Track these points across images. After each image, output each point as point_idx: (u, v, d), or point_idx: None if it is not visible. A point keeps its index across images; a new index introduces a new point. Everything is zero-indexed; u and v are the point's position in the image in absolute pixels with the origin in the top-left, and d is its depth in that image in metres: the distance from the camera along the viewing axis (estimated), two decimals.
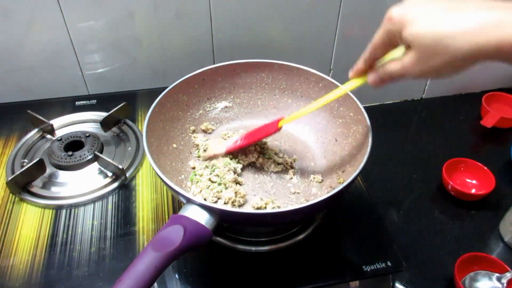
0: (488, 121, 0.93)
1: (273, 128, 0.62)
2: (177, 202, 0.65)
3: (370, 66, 0.48)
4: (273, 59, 0.70)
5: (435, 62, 0.39)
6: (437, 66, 0.39)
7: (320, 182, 0.64)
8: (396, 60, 0.44)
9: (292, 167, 0.66)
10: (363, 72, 0.49)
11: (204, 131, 0.71)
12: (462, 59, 0.37)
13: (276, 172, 0.65)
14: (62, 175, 0.69)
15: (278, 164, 0.66)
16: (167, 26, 0.83)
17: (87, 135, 0.73)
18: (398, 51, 0.44)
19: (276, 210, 0.56)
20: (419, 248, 0.73)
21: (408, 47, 0.41)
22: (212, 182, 0.60)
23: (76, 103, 0.84)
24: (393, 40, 0.43)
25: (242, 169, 0.65)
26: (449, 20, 0.37)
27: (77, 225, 0.62)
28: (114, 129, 0.78)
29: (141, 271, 0.41)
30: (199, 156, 0.67)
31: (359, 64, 0.49)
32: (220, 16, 0.83)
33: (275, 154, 0.67)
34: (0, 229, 0.61)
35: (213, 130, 0.71)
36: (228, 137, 0.69)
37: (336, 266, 0.57)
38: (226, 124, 0.73)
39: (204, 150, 0.67)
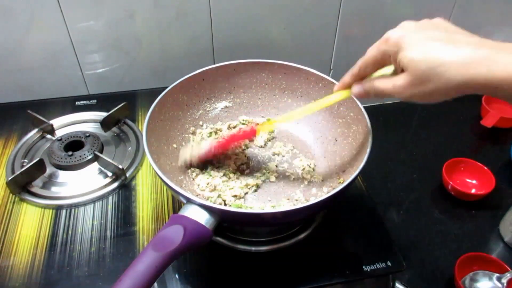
0: (488, 121, 0.93)
1: (250, 133, 0.63)
2: (177, 202, 0.65)
3: (356, 81, 0.49)
4: (273, 59, 0.70)
5: (426, 88, 0.40)
6: (428, 92, 0.40)
7: (320, 182, 0.64)
8: (385, 77, 0.45)
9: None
10: (349, 86, 0.50)
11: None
12: (453, 88, 0.39)
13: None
14: (62, 175, 0.69)
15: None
16: (167, 26, 0.83)
17: (87, 135, 0.73)
18: (388, 69, 0.45)
19: (276, 210, 0.56)
20: (419, 248, 0.73)
21: (401, 70, 0.42)
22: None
23: (76, 103, 0.84)
24: (386, 60, 0.44)
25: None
26: (445, 50, 0.39)
27: (77, 225, 0.62)
28: (114, 129, 0.78)
29: (141, 271, 0.41)
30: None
31: (346, 78, 0.50)
32: (220, 16, 0.83)
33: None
34: (0, 229, 0.61)
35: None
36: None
37: (336, 266, 0.57)
38: (226, 124, 0.73)
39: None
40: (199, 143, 0.65)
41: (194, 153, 0.63)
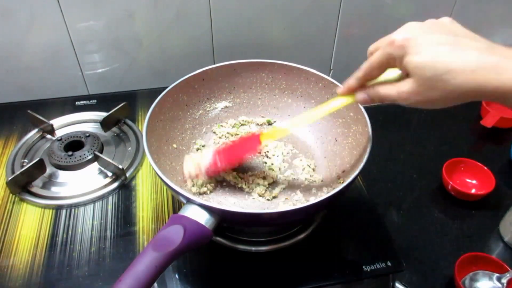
0: (488, 121, 0.93)
1: (255, 144, 0.59)
2: (177, 202, 0.65)
3: (361, 85, 0.47)
4: (273, 59, 0.70)
5: (432, 95, 0.39)
6: (434, 99, 0.39)
7: (320, 182, 0.64)
8: (390, 82, 0.44)
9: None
10: (353, 91, 0.48)
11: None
12: (460, 95, 0.38)
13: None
14: (62, 175, 0.69)
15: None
16: (167, 26, 0.83)
17: (87, 135, 0.73)
18: (392, 73, 0.44)
19: (276, 210, 0.56)
20: (419, 248, 0.73)
21: (406, 74, 0.41)
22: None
23: (76, 103, 0.84)
24: (391, 63, 0.43)
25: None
26: (453, 56, 0.37)
27: (77, 225, 0.62)
28: (114, 129, 0.78)
29: (141, 271, 0.41)
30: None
31: (351, 81, 0.48)
32: (220, 16, 0.83)
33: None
34: (0, 229, 0.61)
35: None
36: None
37: (336, 266, 0.57)
38: (226, 124, 0.73)
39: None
40: (201, 153, 0.63)
41: (199, 164, 0.60)
